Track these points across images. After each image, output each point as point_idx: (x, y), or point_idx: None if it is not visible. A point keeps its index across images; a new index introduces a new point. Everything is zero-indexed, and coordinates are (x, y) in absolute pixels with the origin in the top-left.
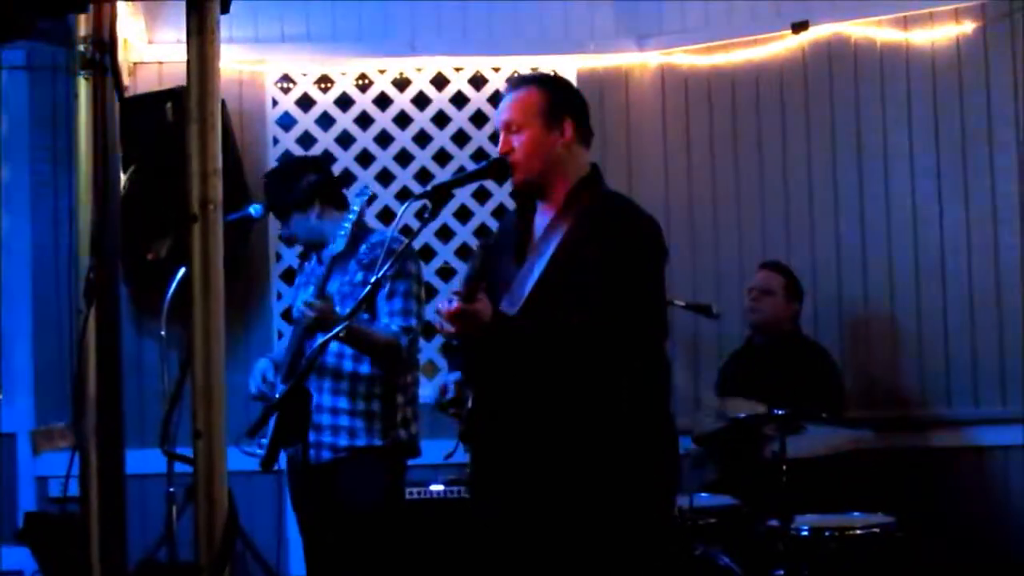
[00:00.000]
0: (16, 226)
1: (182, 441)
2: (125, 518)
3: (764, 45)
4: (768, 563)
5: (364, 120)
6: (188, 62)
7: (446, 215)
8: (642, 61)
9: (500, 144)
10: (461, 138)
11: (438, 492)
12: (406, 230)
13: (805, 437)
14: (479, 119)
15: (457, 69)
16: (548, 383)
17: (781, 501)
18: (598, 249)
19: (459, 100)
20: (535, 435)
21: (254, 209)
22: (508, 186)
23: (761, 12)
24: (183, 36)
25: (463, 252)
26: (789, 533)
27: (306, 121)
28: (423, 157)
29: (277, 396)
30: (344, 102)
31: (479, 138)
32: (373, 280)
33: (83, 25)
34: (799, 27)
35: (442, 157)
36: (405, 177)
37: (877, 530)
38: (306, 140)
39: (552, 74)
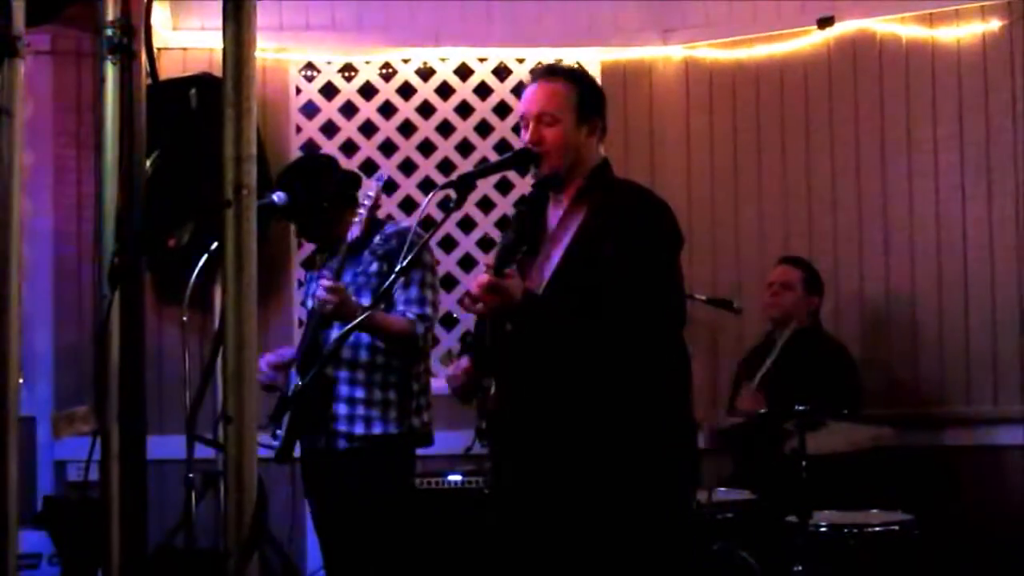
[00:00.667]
0: (38, 211)
1: (202, 427)
2: (147, 504)
3: (789, 40)
4: (786, 559)
5: (387, 109)
6: (224, 47)
7: (468, 205)
8: (666, 55)
9: (529, 134)
10: (484, 129)
11: (456, 482)
12: (428, 220)
13: (825, 433)
14: (502, 110)
15: (481, 60)
16: (573, 367)
17: (800, 497)
18: (614, 236)
19: (483, 91)
20: (557, 423)
21: (277, 197)
22: (530, 177)
23: (786, 8)
24: (207, 23)
25: (485, 243)
26: (807, 529)
27: (329, 109)
28: (446, 147)
29: (292, 388)
30: (368, 91)
31: (502, 129)
32: (398, 270)
33: (111, 9)
34: (825, 23)
35: (465, 147)
36: (428, 167)
37: (896, 528)
38: (329, 128)
39: (579, 68)
